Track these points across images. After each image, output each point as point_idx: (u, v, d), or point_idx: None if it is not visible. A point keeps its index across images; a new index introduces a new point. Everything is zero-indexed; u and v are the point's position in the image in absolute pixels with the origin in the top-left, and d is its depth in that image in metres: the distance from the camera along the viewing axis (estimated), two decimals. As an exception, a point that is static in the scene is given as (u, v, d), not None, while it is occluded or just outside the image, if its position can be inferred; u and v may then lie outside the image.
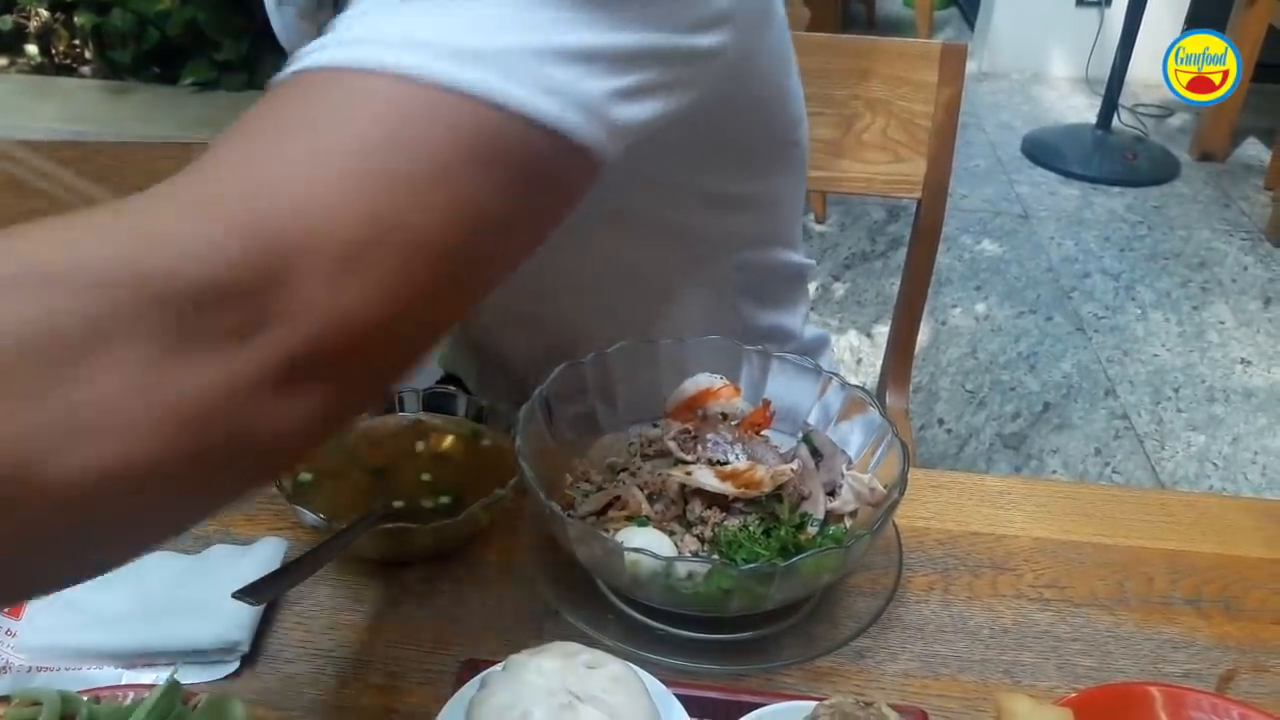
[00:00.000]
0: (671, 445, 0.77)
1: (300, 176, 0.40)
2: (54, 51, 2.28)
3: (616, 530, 0.71)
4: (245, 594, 0.61)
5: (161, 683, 0.60)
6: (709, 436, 0.77)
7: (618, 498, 0.75)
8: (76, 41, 2.26)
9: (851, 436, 0.79)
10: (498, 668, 0.59)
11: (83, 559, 0.38)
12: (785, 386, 0.83)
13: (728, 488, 0.72)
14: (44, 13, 2.18)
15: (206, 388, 0.36)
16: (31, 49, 2.28)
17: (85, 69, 2.26)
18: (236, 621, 0.67)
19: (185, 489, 0.38)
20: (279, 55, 1.81)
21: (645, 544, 0.66)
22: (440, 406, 0.85)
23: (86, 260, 0.35)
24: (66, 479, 0.34)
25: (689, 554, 0.70)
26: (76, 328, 0.34)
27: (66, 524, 0.35)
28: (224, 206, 0.39)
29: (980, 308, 2.88)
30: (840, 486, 0.75)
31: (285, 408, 0.39)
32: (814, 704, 0.59)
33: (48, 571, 0.38)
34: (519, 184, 0.46)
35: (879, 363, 1.48)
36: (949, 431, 2.41)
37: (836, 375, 0.81)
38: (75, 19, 2.19)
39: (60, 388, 0.33)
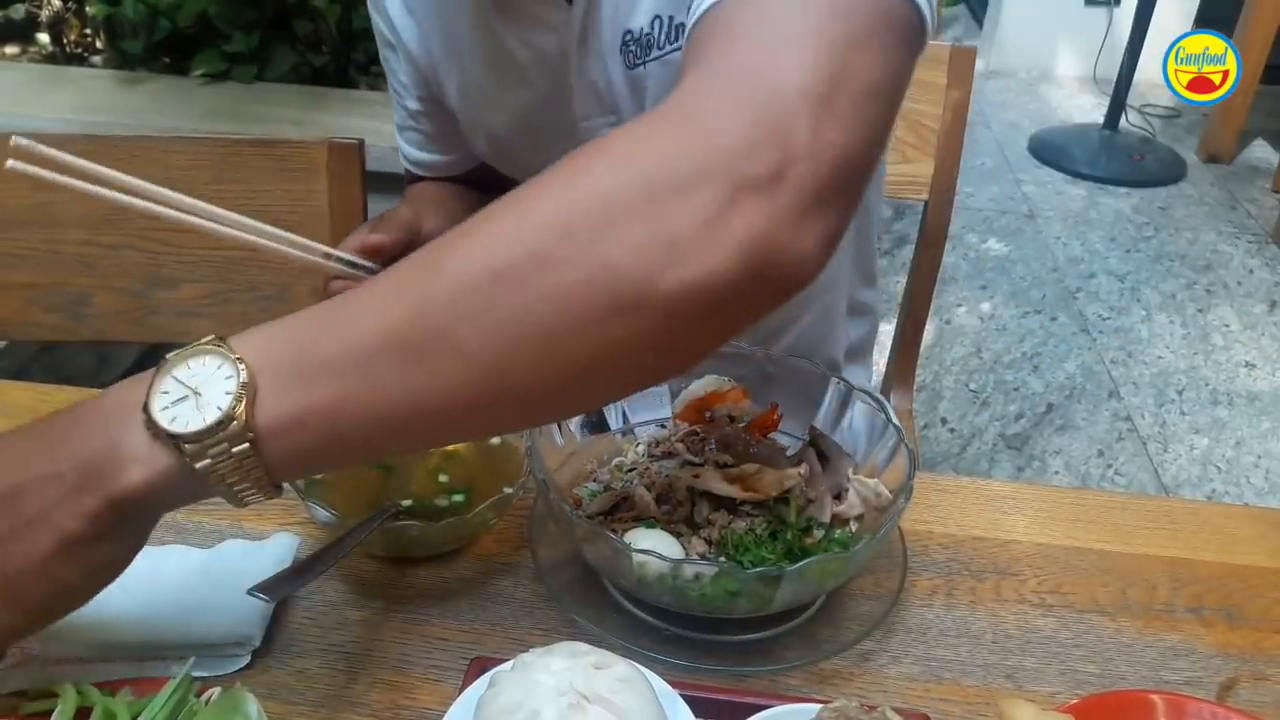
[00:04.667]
0: (679, 447, 0.78)
1: (779, 51, 0.51)
2: (65, 41, 2.28)
3: (624, 531, 0.72)
4: (260, 591, 0.62)
5: (175, 676, 0.61)
6: (717, 438, 0.77)
7: (626, 498, 0.76)
8: (88, 31, 2.26)
9: (858, 440, 0.80)
10: (506, 666, 0.60)
11: (655, 371, 0.54)
12: (793, 389, 0.83)
13: (735, 490, 0.72)
14: (56, 2, 2.19)
15: (761, 220, 0.48)
16: (43, 38, 2.29)
17: (96, 59, 2.27)
18: (248, 617, 0.68)
19: (735, 309, 0.50)
20: (288, 48, 1.82)
21: (653, 545, 0.67)
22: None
23: (663, 146, 0.49)
24: (670, 292, 0.47)
25: (696, 556, 0.71)
26: (668, 182, 0.48)
27: (666, 331, 0.48)
28: (735, 92, 0.51)
29: (985, 307, 2.88)
30: (846, 490, 0.75)
31: (808, 233, 0.49)
32: (818, 706, 0.60)
33: (630, 380, 0.54)
34: (907, 46, 0.57)
35: (883, 361, 1.48)
36: (952, 431, 2.42)
37: (844, 379, 0.81)
38: (87, 9, 2.19)
39: (664, 221, 0.47)
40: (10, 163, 0.61)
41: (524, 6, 0.85)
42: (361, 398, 0.50)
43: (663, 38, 0.82)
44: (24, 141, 0.62)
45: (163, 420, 0.49)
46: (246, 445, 0.49)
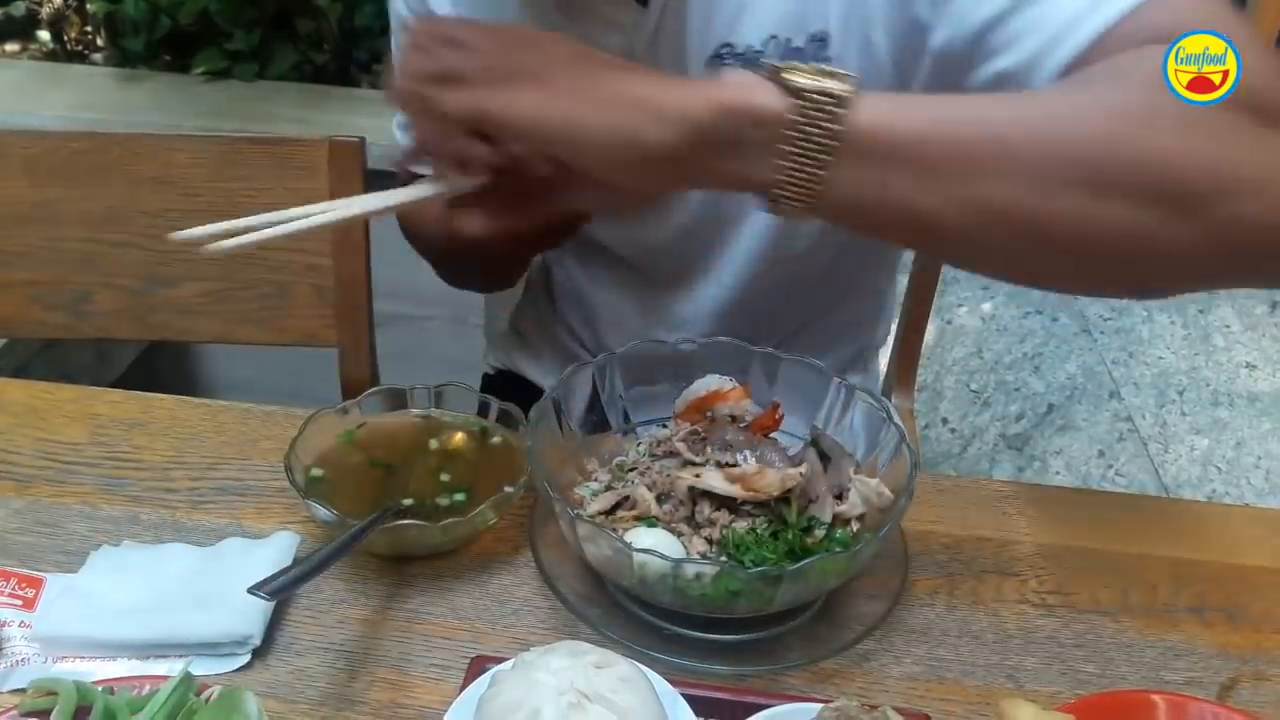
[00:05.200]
0: (680, 446, 0.78)
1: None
2: (66, 38, 2.28)
3: (625, 530, 0.72)
4: (260, 589, 0.62)
5: (175, 674, 0.61)
6: (718, 438, 0.77)
7: (626, 497, 0.75)
8: (88, 28, 2.26)
9: (860, 439, 0.80)
10: (507, 665, 0.60)
11: (1125, 276, 0.64)
12: (794, 388, 0.83)
13: (736, 490, 0.72)
14: (57, -1, 2.20)
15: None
16: (43, 35, 2.29)
17: (97, 56, 2.27)
18: (248, 615, 0.68)
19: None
20: (290, 46, 1.81)
21: (654, 545, 0.67)
22: (450, 403, 0.86)
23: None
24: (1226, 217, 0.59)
25: (697, 555, 0.71)
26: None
27: (1198, 242, 0.59)
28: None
29: (986, 307, 2.88)
30: (848, 490, 0.75)
31: None
32: (819, 706, 0.60)
33: (1115, 271, 0.63)
34: None
35: (885, 361, 1.48)
36: (953, 431, 2.42)
37: (845, 379, 0.81)
38: (87, 6, 2.19)
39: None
40: (210, 246, 0.61)
41: (593, 5, 0.83)
42: (943, 152, 0.58)
43: (778, 58, 0.78)
44: (181, 234, 0.62)
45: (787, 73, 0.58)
46: (838, 128, 0.57)
